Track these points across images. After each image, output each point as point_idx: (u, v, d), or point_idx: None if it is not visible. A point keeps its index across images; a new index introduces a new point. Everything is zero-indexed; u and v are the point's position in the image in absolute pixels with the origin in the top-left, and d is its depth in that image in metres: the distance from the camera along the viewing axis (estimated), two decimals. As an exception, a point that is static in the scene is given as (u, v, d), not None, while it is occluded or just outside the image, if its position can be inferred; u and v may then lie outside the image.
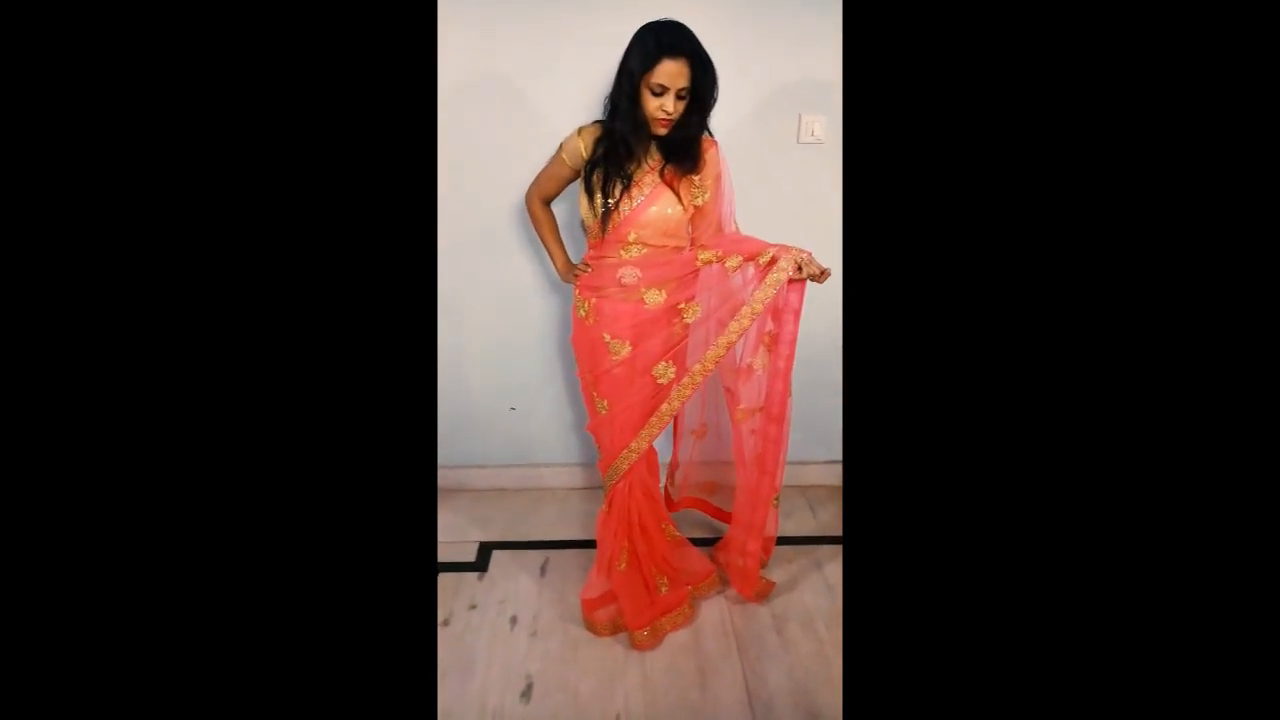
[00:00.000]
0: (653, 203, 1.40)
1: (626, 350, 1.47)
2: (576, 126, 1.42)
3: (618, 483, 1.55)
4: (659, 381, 1.49)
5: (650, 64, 1.26)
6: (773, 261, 1.37)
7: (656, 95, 1.29)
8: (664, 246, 1.44)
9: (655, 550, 1.61)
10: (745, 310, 1.39)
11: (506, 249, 1.89)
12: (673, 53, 1.25)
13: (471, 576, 1.80)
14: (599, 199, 1.39)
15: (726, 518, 1.81)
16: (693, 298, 1.47)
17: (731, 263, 1.42)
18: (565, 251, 1.62)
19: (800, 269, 1.35)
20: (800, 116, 1.77)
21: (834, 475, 2.19)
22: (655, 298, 1.45)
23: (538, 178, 1.54)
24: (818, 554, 1.88)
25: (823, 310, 1.81)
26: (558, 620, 1.64)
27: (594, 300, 1.48)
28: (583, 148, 1.40)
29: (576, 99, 1.68)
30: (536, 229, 1.62)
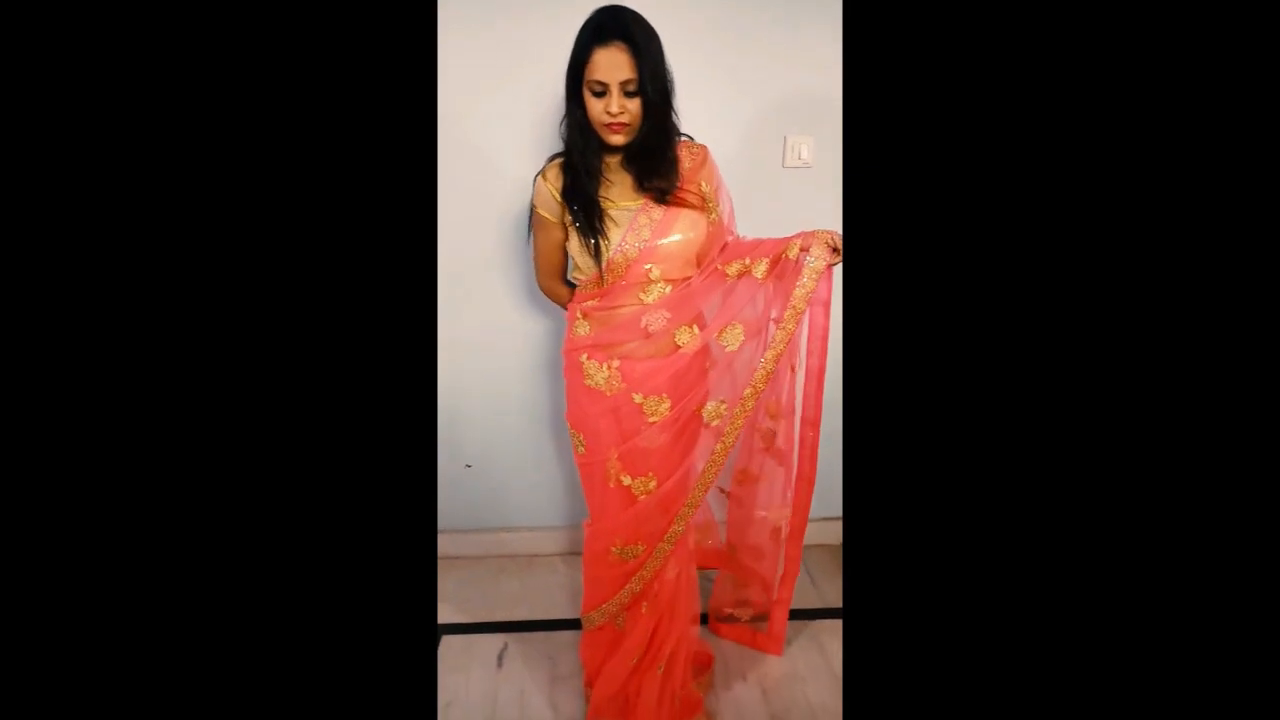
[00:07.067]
0: (669, 227, 1.15)
1: (666, 406, 1.20)
2: (538, 171, 1.20)
3: (662, 568, 1.26)
4: (711, 424, 1.23)
5: (584, 57, 1.05)
6: (803, 251, 1.14)
7: (599, 96, 1.06)
8: (686, 277, 1.20)
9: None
10: (789, 313, 1.16)
11: (449, 284, 1.68)
12: (603, 39, 1.02)
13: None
14: (591, 238, 1.14)
15: (720, 561, 1.56)
16: (730, 321, 1.21)
17: (759, 269, 1.17)
18: None
19: (836, 251, 1.13)
20: (785, 138, 1.60)
21: (835, 533, 1.96)
22: (687, 337, 1.20)
23: (535, 258, 1.28)
24: (819, 632, 1.64)
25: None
26: (513, 726, 1.38)
27: (616, 363, 1.20)
28: (552, 191, 1.17)
29: (536, 130, 1.48)
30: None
